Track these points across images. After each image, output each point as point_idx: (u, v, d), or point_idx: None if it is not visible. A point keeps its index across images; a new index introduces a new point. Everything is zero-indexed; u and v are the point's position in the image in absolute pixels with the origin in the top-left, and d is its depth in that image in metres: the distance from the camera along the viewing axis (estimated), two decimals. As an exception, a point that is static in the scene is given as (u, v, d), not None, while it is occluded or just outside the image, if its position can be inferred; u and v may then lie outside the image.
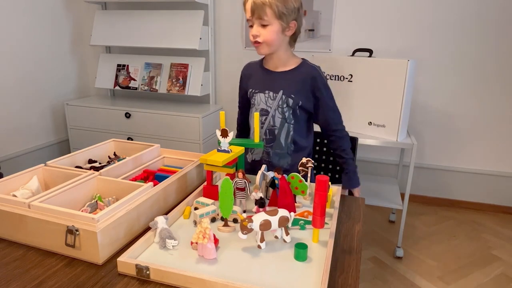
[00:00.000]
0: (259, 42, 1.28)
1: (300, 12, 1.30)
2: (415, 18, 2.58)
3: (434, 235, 2.45)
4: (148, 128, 2.72)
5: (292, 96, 1.34)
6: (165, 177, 1.17)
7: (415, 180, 2.87)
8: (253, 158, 1.47)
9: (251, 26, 1.29)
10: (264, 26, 1.26)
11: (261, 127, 1.40)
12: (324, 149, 1.87)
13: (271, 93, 1.36)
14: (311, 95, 1.36)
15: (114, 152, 1.44)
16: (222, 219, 1.02)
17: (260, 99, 1.38)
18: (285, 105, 1.35)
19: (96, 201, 1.05)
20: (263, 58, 1.43)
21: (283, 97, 1.34)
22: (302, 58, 1.39)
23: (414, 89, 2.65)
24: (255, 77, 1.42)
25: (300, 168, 1.22)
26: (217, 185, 1.16)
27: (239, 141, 1.27)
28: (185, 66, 2.86)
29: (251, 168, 1.47)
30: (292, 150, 1.41)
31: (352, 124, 2.27)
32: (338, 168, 1.87)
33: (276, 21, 1.25)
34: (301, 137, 1.41)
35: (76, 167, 1.24)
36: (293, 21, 1.28)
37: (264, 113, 1.38)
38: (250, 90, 1.42)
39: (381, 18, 2.63)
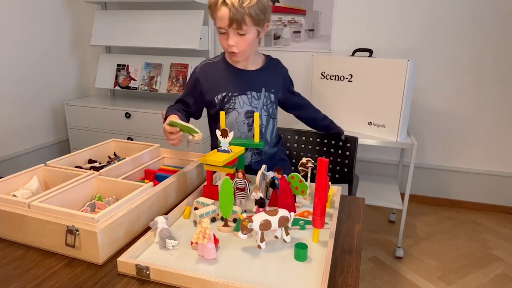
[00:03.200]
0: (235, 52, 1.22)
1: (270, 9, 1.24)
2: (415, 18, 2.58)
3: (434, 235, 2.45)
4: (148, 128, 2.72)
5: (273, 91, 1.37)
6: (165, 177, 1.17)
7: (415, 180, 2.88)
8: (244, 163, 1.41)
9: (224, 34, 1.21)
10: (241, 35, 1.19)
11: (249, 129, 1.35)
12: (324, 149, 1.87)
13: (253, 93, 1.33)
14: (283, 88, 1.44)
15: (114, 152, 1.44)
16: (222, 219, 1.02)
17: (243, 102, 1.32)
18: (269, 102, 1.36)
19: (95, 201, 1.05)
20: (223, 57, 1.36)
21: (266, 93, 1.35)
22: (262, 53, 1.41)
23: (414, 89, 2.65)
24: (227, 80, 1.32)
25: (300, 168, 1.22)
26: (217, 185, 1.16)
27: (239, 141, 1.27)
28: (185, 66, 2.86)
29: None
30: (274, 142, 1.47)
31: (352, 124, 2.27)
32: (338, 168, 1.87)
33: (253, 28, 1.20)
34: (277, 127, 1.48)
35: (76, 167, 1.24)
36: (266, 23, 1.25)
37: (250, 114, 1.34)
38: (223, 94, 1.31)
39: (381, 18, 2.63)
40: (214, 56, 1.39)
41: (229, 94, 1.32)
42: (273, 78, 1.38)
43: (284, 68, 1.46)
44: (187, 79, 1.36)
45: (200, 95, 1.35)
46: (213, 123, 1.42)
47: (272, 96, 1.37)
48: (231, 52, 1.24)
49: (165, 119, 1.24)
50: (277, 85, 1.40)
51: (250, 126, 1.35)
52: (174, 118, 1.17)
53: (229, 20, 1.15)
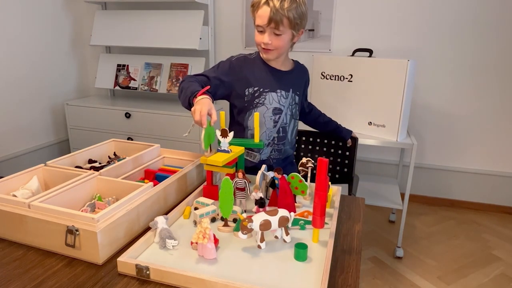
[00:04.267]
0: (268, 49, 1.29)
1: (307, 16, 1.31)
2: (415, 18, 2.58)
3: (434, 235, 2.45)
4: (148, 128, 2.72)
5: (298, 93, 1.44)
6: (165, 177, 1.17)
7: (415, 180, 2.87)
8: (260, 158, 1.43)
9: (261, 32, 1.27)
10: (277, 35, 1.26)
11: (274, 126, 1.40)
12: (324, 149, 1.87)
13: (283, 92, 1.39)
14: (304, 92, 1.53)
15: (114, 152, 1.44)
16: (222, 219, 1.02)
17: (273, 98, 1.37)
18: (293, 102, 1.43)
19: (95, 201, 1.05)
20: (258, 55, 1.40)
21: (293, 95, 1.42)
22: (291, 59, 1.48)
23: (414, 89, 2.65)
24: (260, 76, 1.36)
25: (300, 168, 1.22)
26: (217, 185, 1.16)
27: (239, 141, 1.27)
28: (185, 66, 2.86)
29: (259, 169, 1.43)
30: (294, 143, 1.53)
31: (352, 124, 2.27)
32: (338, 168, 1.87)
33: (289, 31, 1.27)
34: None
35: (76, 167, 1.24)
36: (301, 29, 1.31)
37: (277, 111, 1.39)
38: (255, 89, 1.35)
39: (381, 18, 2.63)
40: (250, 53, 1.43)
41: (261, 90, 1.36)
42: (299, 82, 1.47)
43: (307, 74, 1.53)
44: (218, 64, 1.38)
45: (228, 83, 1.35)
46: (237, 115, 1.44)
47: (296, 98, 1.44)
48: (264, 49, 1.30)
49: (191, 94, 1.19)
50: (301, 89, 1.48)
51: (276, 123, 1.40)
52: (210, 122, 1.13)
53: (269, 19, 1.22)
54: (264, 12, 1.22)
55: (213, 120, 1.09)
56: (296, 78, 1.44)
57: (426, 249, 2.29)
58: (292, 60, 1.48)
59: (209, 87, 1.23)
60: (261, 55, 1.36)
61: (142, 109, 2.70)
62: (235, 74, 1.35)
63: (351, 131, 1.76)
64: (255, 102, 1.37)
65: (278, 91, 1.38)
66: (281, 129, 1.41)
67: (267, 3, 1.22)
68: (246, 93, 1.36)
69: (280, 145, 1.44)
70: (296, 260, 0.88)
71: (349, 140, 1.79)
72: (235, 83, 1.35)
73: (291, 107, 1.42)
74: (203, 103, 1.11)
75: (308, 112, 1.66)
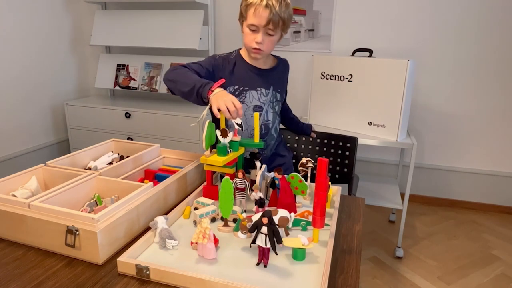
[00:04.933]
0: (260, 49, 1.31)
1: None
2: (415, 18, 2.58)
3: (434, 235, 2.45)
4: (148, 128, 2.72)
5: (279, 90, 1.46)
6: (165, 177, 1.17)
7: (415, 180, 2.87)
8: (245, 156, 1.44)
9: (254, 31, 1.29)
10: (270, 35, 1.29)
11: (240, 130, 1.37)
12: (324, 149, 1.87)
13: (263, 90, 1.41)
14: (285, 87, 1.53)
15: (118, 153, 1.43)
16: (222, 219, 1.02)
17: (253, 97, 1.40)
18: (275, 100, 1.45)
19: (95, 201, 1.05)
20: (239, 54, 1.42)
21: (273, 92, 1.44)
22: (272, 55, 1.47)
23: (414, 89, 2.65)
24: (241, 75, 1.38)
25: (300, 168, 1.22)
26: (217, 185, 1.16)
27: (239, 141, 1.26)
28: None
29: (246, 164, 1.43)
30: (276, 137, 1.53)
31: (352, 124, 2.27)
32: (338, 168, 1.87)
33: (279, 32, 1.31)
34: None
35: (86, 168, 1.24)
36: (287, 30, 1.34)
37: (258, 109, 1.41)
38: (235, 87, 1.38)
39: (381, 18, 2.63)
40: (229, 52, 1.44)
41: (241, 88, 1.39)
42: (281, 79, 1.49)
43: (288, 67, 1.54)
44: (203, 60, 1.40)
45: (209, 73, 1.37)
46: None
47: (278, 95, 1.46)
48: (255, 49, 1.31)
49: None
50: (283, 85, 1.50)
51: (240, 127, 1.37)
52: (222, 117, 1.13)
53: (268, 20, 1.24)
54: (263, 13, 1.24)
55: (241, 114, 1.11)
56: (277, 76, 1.46)
57: (426, 249, 2.29)
58: (273, 56, 1.48)
59: (224, 80, 1.23)
60: (250, 55, 1.37)
61: (142, 109, 2.70)
62: (218, 72, 1.38)
63: (310, 125, 1.77)
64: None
65: (258, 89, 1.40)
66: (263, 126, 1.43)
67: (267, 5, 1.23)
68: (228, 91, 1.36)
69: (262, 141, 1.44)
70: (294, 260, 0.88)
71: (312, 133, 1.79)
72: (218, 76, 1.37)
73: (273, 105, 1.44)
74: (227, 94, 1.13)
75: (284, 108, 1.65)
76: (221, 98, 1.10)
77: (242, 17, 1.32)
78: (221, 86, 1.20)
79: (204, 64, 1.36)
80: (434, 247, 2.31)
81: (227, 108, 1.09)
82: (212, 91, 1.13)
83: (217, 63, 1.38)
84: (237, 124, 1.17)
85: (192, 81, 1.19)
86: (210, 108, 1.14)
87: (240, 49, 1.44)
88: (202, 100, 1.16)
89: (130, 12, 2.92)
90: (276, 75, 1.45)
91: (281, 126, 1.76)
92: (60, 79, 3.05)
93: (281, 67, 1.48)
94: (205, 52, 2.90)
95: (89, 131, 2.87)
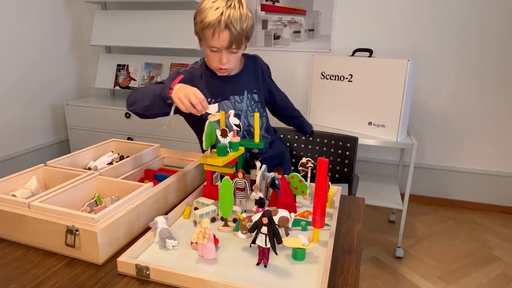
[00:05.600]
0: (226, 68, 1.25)
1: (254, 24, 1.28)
2: (415, 18, 2.58)
3: (434, 235, 2.45)
4: (148, 128, 2.72)
5: (255, 91, 1.39)
6: (165, 177, 1.17)
7: (415, 180, 2.87)
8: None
9: (215, 52, 1.21)
10: (233, 52, 1.23)
11: (238, 131, 1.32)
12: (324, 149, 1.87)
13: (236, 97, 1.35)
14: (264, 83, 1.44)
15: (118, 153, 1.43)
16: (222, 219, 1.02)
17: (227, 106, 1.34)
18: (252, 102, 1.39)
19: (95, 201, 1.05)
20: (204, 64, 1.35)
21: (249, 95, 1.37)
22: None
23: (414, 89, 2.65)
24: (210, 86, 1.31)
25: (300, 168, 1.22)
26: (217, 185, 1.16)
27: (239, 141, 1.26)
28: (185, 66, 2.86)
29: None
30: (269, 139, 1.47)
31: (352, 124, 2.27)
32: (338, 168, 1.87)
33: (244, 45, 1.25)
34: (269, 123, 1.49)
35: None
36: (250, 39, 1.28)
37: (236, 117, 1.34)
38: (208, 100, 1.23)
39: (381, 18, 2.63)
40: (194, 62, 1.39)
41: (213, 100, 1.32)
42: (254, 78, 1.40)
43: (262, 64, 1.45)
44: (173, 75, 1.32)
45: None
46: (197, 127, 1.42)
47: (255, 96, 1.39)
48: (221, 69, 1.26)
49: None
50: (258, 84, 1.41)
51: (238, 128, 1.33)
52: (215, 118, 1.09)
53: (229, 42, 1.17)
54: (223, 35, 1.16)
55: (215, 109, 1.06)
56: (248, 77, 1.38)
57: (426, 249, 2.29)
58: (242, 55, 1.39)
59: (182, 76, 1.16)
60: (217, 73, 1.30)
61: (142, 109, 2.70)
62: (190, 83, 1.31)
63: (311, 125, 1.75)
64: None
65: (231, 97, 1.34)
66: (245, 132, 1.38)
67: (227, 28, 1.15)
68: None
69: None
70: (294, 259, 0.88)
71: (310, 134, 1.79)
72: None
73: (252, 108, 1.38)
74: (187, 87, 1.06)
75: (281, 106, 1.58)
76: (182, 92, 1.04)
77: (200, 39, 1.25)
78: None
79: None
80: (434, 247, 2.31)
81: (191, 103, 1.02)
82: (173, 90, 1.07)
83: (190, 76, 1.31)
84: (235, 124, 1.17)
85: (151, 91, 1.13)
86: (177, 108, 1.08)
87: (204, 59, 1.36)
88: (166, 103, 1.10)
89: (130, 12, 2.92)
90: (247, 77, 1.37)
91: (285, 126, 1.75)
92: (60, 79, 3.05)
93: (250, 66, 1.40)
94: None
95: (89, 131, 2.87)
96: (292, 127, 1.80)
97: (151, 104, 1.13)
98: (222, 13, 1.14)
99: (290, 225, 0.98)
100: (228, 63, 1.24)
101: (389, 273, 2.07)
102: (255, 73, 1.41)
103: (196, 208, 1.07)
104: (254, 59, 1.43)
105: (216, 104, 1.09)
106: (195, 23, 1.25)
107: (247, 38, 1.22)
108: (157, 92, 1.11)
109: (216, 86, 1.32)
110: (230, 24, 1.15)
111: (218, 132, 1.13)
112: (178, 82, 1.11)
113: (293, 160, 1.89)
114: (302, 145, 1.92)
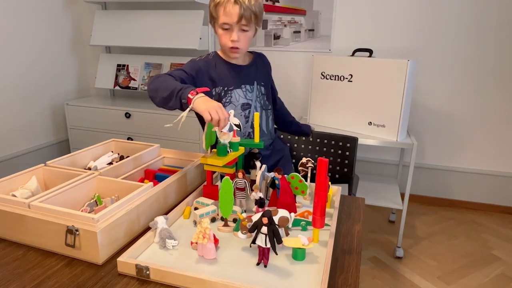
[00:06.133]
0: (237, 48, 1.30)
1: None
2: (415, 18, 2.58)
3: (434, 235, 2.45)
4: (148, 128, 2.72)
5: (262, 84, 1.45)
6: (165, 177, 1.17)
7: (415, 180, 2.87)
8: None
9: (227, 30, 1.28)
10: (244, 31, 1.28)
11: (246, 121, 1.39)
12: (324, 149, 1.87)
13: (247, 86, 1.41)
14: (269, 79, 1.51)
15: (118, 153, 1.43)
16: (222, 219, 1.02)
17: (239, 95, 1.39)
18: (260, 94, 1.44)
19: (95, 201, 1.05)
20: (217, 54, 1.41)
21: (258, 86, 1.43)
22: (248, 51, 1.47)
23: (414, 89, 2.65)
24: (223, 75, 1.37)
25: (300, 168, 1.22)
26: (217, 185, 1.16)
27: (239, 141, 1.26)
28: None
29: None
30: (272, 134, 1.51)
31: (352, 124, 2.27)
32: (338, 168, 1.87)
33: (253, 26, 1.31)
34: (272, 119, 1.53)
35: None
36: (260, 24, 1.35)
37: (246, 107, 1.40)
38: (220, 88, 1.36)
39: (381, 18, 2.63)
40: (207, 54, 1.42)
41: (225, 88, 1.37)
42: (262, 72, 1.48)
43: (267, 62, 1.53)
44: (184, 65, 1.37)
45: (199, 83, 1.35)
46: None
47: (262, 88, 1.45)
48: (233, 48, 1.30)
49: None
50: (265, 78, 1.49)
51: (247, 118, 1.40)
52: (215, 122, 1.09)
53: (239, 16, 1.23)
54: (233, 10, 1.23)
55: (227, 127, 1.10)
56: (258, 70, 1.45)
57: (426, 249, 2.29)
58: (249, 52, 1.47)
59: (208, 89, 1.20)
60: (229, 55, 1.35)
61: (142, 109, 2.70)
62: (202, 76, 1.36)
63: (309, 126, 1.74)
64: (222, 101, 1.37)
65: (243, 86, 1.39)
66: (252, 123, 1.40)
67: (236, 1, 1.22)
68: (214, 93, 1.37)
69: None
70: (294, 259, 0.88)
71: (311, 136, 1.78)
72: (204, 84, 1.35)
73: (259, 99, 1.43)
74: (211, 101, 1.09)
75: (278, 109, 1.61)
76: (209, 104, 1.07)
77: (213, 19, 1.31)
78: (205, 92, 1.17)
79: (187, 70, 1.33)
80: (434, 247, 2.31)
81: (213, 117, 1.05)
82: (196, 93, 1.10)
83: (198, 66, 1.36)
84: (235, 124, 1.17)
85: (173, 85, 1.16)
86: (194, 112, 1.10)
87: (216, 51, 1.43)
88: (181, 102, 1.12)
89: (130, 12, 2.92)
90: (256, 69, 1.45)
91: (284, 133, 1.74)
92: (60, 79, 3.05)
93: (259, 60, 1.48)
94: (205, 52, 2.90)
95: (89, 131, 2.87)
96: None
97: (168, 97, 1.16)
98: None
99: (290, 225, 0.98)
100: (239, 42, 1.29)
101: (389, 273, 2.07)
102: (263, 68, 1.48)
103: (196, 208, 1.07)
104: (261, 55, 1.52)
105: (228, 123, 1.11)
106: (209, 7, 1.32)
107: (256, 17, 1.28)
108: (177, 89, 1.14)
109: (229, 74, 1.39)
110: (239, 0, 1.22)
111: (218, 133, 1.13)
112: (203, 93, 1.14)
113: (293, 160, 1.89)
114: (302, 145, 1.92)
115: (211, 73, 1.36)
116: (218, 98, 1.37)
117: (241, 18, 1.24)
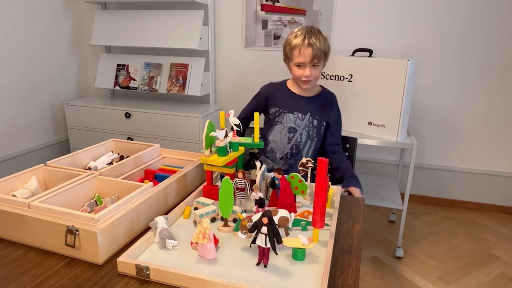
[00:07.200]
0: (310, 80, 1.49)
1: None
2: (415, 18, 2.58)
3: (434, 235, 2.45)
4: (148, 128, 2.72)
5: (317, 117, 1.58)
6: (165, 177, 1.17)
7: (415, 180, 2.87)
8: (273, 167, 1.58)
9: (300, 67, 1.47)
10: (316, 66, 1.48)
11: (288, 142, 1.58)
12: (324, 149, 1.86)
13: (299, 114, 1.57)
14: (327, 118, 1.61)
15: (118, 153, 1.43)
16: (222, 219, 1.02)
17: (289, 119, 1.57)
18: (311, 125, 1.58)
19: (95, 201, 1.05)
20: (285, 82, 1.63)
21: (310, 118, 1.58)
22: (320, 85, 1.65)
23: (414, 89, 2.65)
24: (282, 99, 1.59)
25: (300, 168, 1.22)
26: (217, 185, 1.16)
27: (239, 141, 1.26)
28: (185, 66, 2.86)
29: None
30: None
31: (352, 124, 2.27)
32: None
33: (323, 62, 1.52)
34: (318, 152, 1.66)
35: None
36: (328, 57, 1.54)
37: (292, 130, 1.57)
38: (276, 109, 1.59)
39: (381, 18, 2.63)
40: (278, 81, 1.66)
41: (280, 110, 1.59)
42: (322, 108, 1.60)
43: (334, 103, 1.64)
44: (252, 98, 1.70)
45: (262, 102, 1.64)
46: (263, 128, 1.67)
47: (315, 121, 1.58)
48: (305, 81, 1.49)
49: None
50: (323, 114, 1.60)
51: (290, 140, 1.57)
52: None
53: (312, 57, 1.44)
54: (307, 51, 1.43)
55: (222, 135, 1.14)
56: (316, 104, 1.58)
57: (426, 249, 2.29)
58: (321, 86, 1.64)
59: None
60: (301, 86, 1.53)
61: (142, 109, 2.70)
62: (265, 96, 1.63)
63: (358, 181, 1.50)
64: (275, 120, 1.59)
65: (295, 113, 1.57)
66: (294, 146, 1.58)
67: (310, 44, 1.43)
68: (271, 112, 1.61)
69: (292, 160, 1.60)
70: (294, 259, 0.88)
71: (353, 190, 1.46)
72: (265, 102, 1.63)
73: (308, 129, 1.58)
74: None
75: (328, 150, 1.62)
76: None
77: (288, 58, 1.52)
78: (268, 108, 1.59)
79: (255, 103, 1.65)
80: (434, 247, 2.31)
81: None
82: None
83: (267, 91, 1.63)
84: (235, 124, 1.17)
85: None
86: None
87: (287, 80, 1.64)
88: None
89: (130, 12, 2.92)
90: (315, 103, 1.58)
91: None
92: (60, 79, 3.05)
93: (323, 96, 1.61)
94: (205, 52, 2.90)
95: (89, 131, 2.87)
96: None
97: None
98: (305, 37, 1.45)
99: (290, 225, 0.98)
100: (311, 75, 1.48)
101: (389, 273, 2.07)
102: (324, 104, 1.61)
103: (196, 208, 1.07)
104: (331, 95, 1.65)
105: (224, 131, 1.15)
106: (284, 49, 1.54)
107: (325, 55, 1.48)
108: None
109: (287, 100, 1.59)
110: (312, 43, 1.43)
111: (218, 132, 1.13)
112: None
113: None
114: (302, 145, 1.92)
115: (273, 95, 1.61)
116: (273, 117, 1.60)
117: (314, 58, 1.44)
